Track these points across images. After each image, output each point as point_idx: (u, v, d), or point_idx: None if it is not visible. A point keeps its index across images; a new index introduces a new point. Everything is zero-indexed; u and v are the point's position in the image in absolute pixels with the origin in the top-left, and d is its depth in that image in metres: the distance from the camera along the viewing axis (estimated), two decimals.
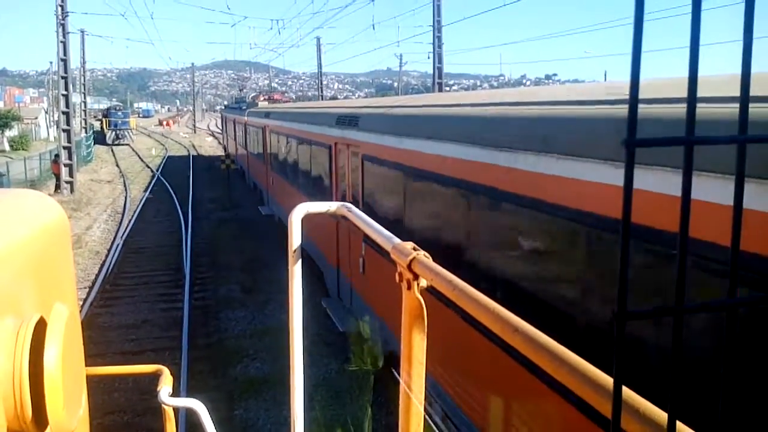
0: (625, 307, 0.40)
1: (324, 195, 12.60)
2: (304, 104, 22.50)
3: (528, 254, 5.39)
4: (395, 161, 8.59)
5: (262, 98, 35.43)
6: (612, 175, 4.27)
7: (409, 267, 1.92)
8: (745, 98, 0.40)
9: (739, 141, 0.40)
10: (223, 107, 62.36)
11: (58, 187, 30.42)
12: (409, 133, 8.15)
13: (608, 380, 0.80)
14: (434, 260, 2.09)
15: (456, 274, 1.74)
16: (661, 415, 0.66)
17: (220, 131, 56.43)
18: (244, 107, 32.89)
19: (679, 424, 0.53)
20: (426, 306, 1.95)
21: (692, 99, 0.39)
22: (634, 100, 0.38)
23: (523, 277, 5.42)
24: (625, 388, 0.69)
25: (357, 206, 6.34)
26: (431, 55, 32.94)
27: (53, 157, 31.93)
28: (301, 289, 2.72)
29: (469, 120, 6.87)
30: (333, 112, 12.95)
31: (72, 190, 30.21)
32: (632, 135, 0.39)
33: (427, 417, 1.98)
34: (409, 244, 2.01)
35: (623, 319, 0.40)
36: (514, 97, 7.12)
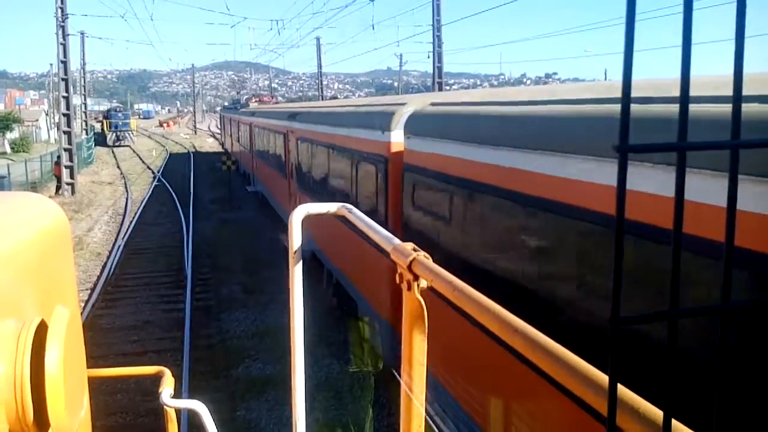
0: (619, 313, 0.40)
1: (282, 167, 18.89)
2: (276, 105, 30.16)
3: (344, 173, 11.33)
4: (306, 137, 14.78)
5: (253, 100, 41.83)
6: (362, 133, 9.95)
7: (409, 268, 1.92)
8: (737, 102, 0.40)
9: (732, 145, 0.40)
10: (221, 108, 69.45)
11: (59, 188, 30.47)
12: (310, 121, 14.62)
13: (606, 379, 0.80)
14: (314, 180, 7.45)
15: (320, 184, 7.26)
16: (657, 413, 0.66)
17: (220, 131, 61.03)
18: (239, 108, 38.14)
19: (674, 422, 0.54)
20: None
21: (684, 102, 0.39)
22: (626, 105, 0.38)
23: (346, 184, 11.19)
24: (622, 387, 0.70)
25: (295, 170, 12.26)
26: (431, 55, 32.94)
27: (55, 159, 31.99)
28: (301, 289, 2.73)
29: (329, 114, 13.48)
30: (288, 110, 19.30)
31: (73, 192, 30.22)
32: (624, 140, 0.38)
33: (427, 418, 1.98)
34: (409, 245, 2.01)
35: (617, 325, 0.40)
36: (352, 102, 14.86)
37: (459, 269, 3.92)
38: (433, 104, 8.19)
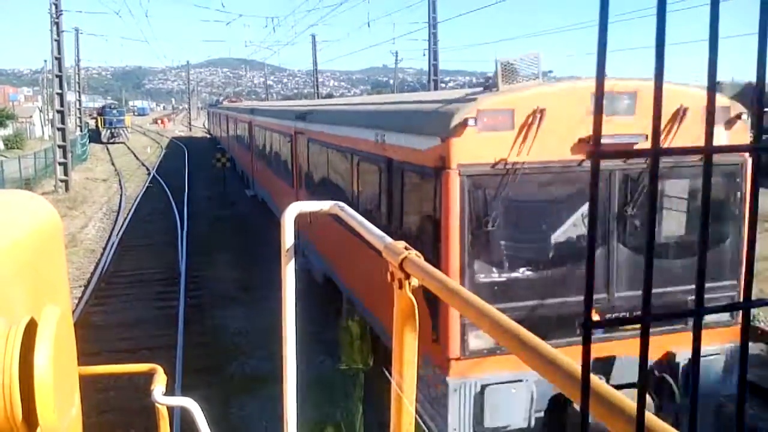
0: (590, 317, 0.41)
1: (241, 143, 30.00)
2: (236, 104, 44.76)
3: (265, 141, 22.05)
4: (257, 124, 23.15)
5: (227, 101, 59.22)
6: (269, 120, 20.00)
7: (400, 266, 1.92)
8: (710, 110, 0.40)
9: (706, 152, 0.40)
10: (208, 105, 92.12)
11: (66, 184, 31.11)
12: (258, 114, 23.08)
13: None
14: (253, 153, 25.59)
15: (249, 152, 26.64)
16: (629, 405, 0.67)
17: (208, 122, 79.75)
18: (217, 105, 57.75)
19: (647, 414, 0.55)
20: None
21: (658, 110, 0.39)
22: (598, 113, 0.38)
23: (269, 148, 20.25)
24: (600, 383, 0.71)
25: (250, 146, 26.91)
26: (427, 52, 32.94)
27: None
28: (294, 287, 2.73)
29: (237, 107, 33.57)
30: (234, 106, 38.22)
31: (67, 189, 30.13)
32: (597, 145, 0.39)
33: (417, 417, 1.98)
34: (401, 244, 2.01)
35: (589, 328, 0.41)
36: (275, 104, 29.69)
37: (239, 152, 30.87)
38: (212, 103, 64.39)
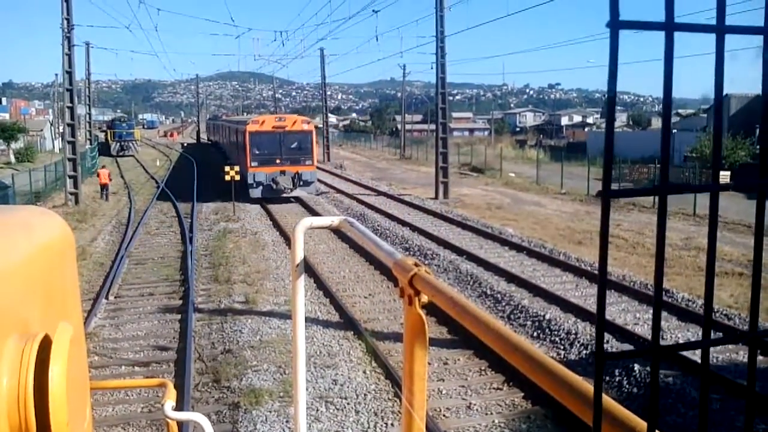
0: (603, 349, 0.42)
1: (229, 143, 45.64)
2: (227, 118, 60.47)
3: (226, 136, 48.82)
4: (216, 125, 67.83)
5: (224, 115, 77.76)
6: (229, 125, 48.03)
7: (410, 283, 1.93)
8: (717, 147, 0.41)
9: (712, 190, 0.42)
10: (208, 119, 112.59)
11: (107, 197, 32.90)
12: (230, 121, 47.75)
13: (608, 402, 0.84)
14: (215, 143, 72.24)
15: (217, 139, 68.46)
16: (641, 424, 0.69)
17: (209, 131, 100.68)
18: (216, 119, 76.49)
19: None
20: None
21: (666, 148, 0.40)
22: (608, 156, 0.39)
23: (226, 139, 49.52)
24: (611, 402, 0.73)
25: (221, 140, 61.27)
26: (434, 66, 33.03)
27: (99, 167, 35.16)
28: (304, 301, 2.74)
29: (227, 120, 54.52)
30: (227, 118, 58.92)
31: (77, 202, 30.29)
32: (607, 187, 0.40)
33: None
34: (411, 260, 2.02)
35: (602, 360, 0.42)
36: (233, 117, 61.94)
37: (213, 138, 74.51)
38: (211, 117, 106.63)
